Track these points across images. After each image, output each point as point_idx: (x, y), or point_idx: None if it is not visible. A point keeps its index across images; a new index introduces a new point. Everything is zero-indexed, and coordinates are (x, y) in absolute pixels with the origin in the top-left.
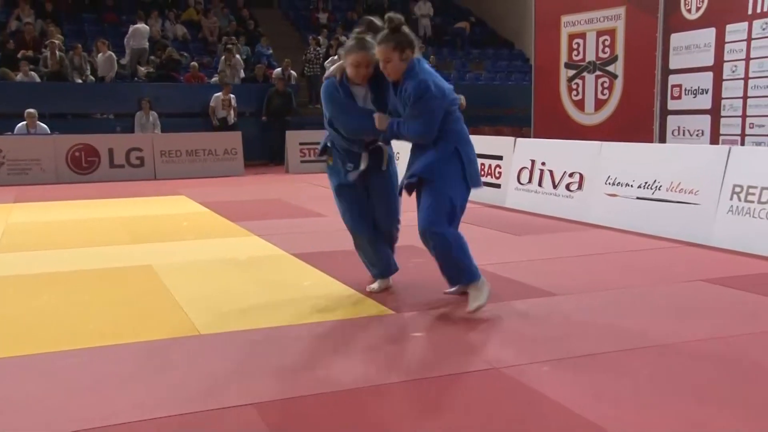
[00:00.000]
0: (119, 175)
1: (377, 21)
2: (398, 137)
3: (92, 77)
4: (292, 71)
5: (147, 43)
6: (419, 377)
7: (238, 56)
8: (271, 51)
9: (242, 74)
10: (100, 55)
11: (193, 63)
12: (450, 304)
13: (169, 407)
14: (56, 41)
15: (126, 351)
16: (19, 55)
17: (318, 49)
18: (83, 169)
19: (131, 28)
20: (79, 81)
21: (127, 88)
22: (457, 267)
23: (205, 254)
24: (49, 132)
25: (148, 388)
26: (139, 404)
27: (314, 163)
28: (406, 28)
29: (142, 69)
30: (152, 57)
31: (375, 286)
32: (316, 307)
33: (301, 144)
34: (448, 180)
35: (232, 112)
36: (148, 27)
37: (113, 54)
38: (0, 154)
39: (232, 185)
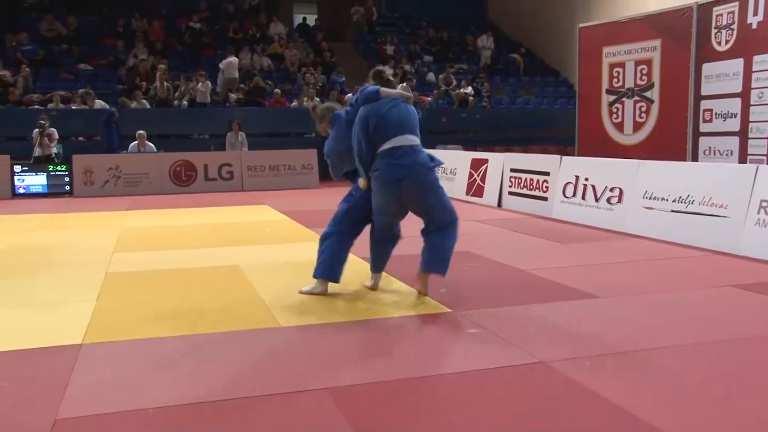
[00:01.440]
0: (213, 187)
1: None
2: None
3: (185, 103)
4: None
5: (237, 74)
6: (472, 369)
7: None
8: (344, 79)
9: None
10: (200, 84)
11: (277, 90)
12: (500, 303)
13: (254, 388)
14: (163, 72)
15: (217, 339)
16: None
17: None
18: (183, 182)
19: (224, 61)
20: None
21: (220, 112)
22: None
23: (284, 256)
24: (155, 150)
25: (235, 371)
26: (229, 384)
27: None
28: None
29: (233, 96)
30: (242, 85)
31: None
32: (381, 304)
33: None
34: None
35: None
36: (237, 59)
37: (209, 83)
38: (117, 169)
39: (308, 196)
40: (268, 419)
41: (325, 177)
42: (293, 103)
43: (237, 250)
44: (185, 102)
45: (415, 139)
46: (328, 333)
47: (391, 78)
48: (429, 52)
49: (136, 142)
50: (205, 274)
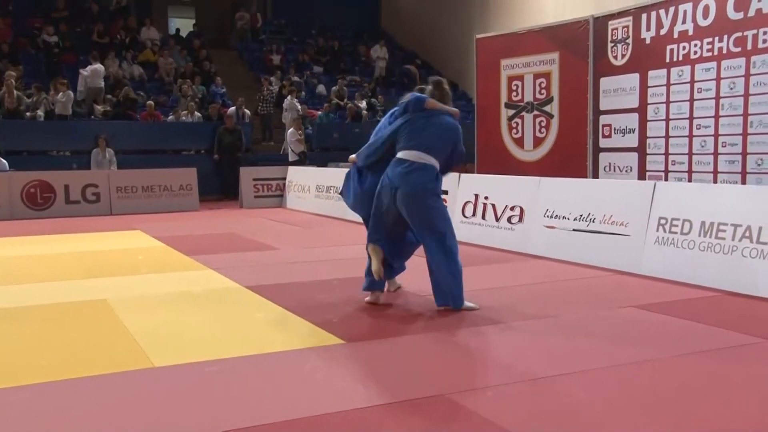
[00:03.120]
0: (75, 210)
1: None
2: None
3: (41, 114)
4: (246, 110)
5: (102, 83)
6: (367, 405)
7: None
8: (224, 90)
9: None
10: (60, 94)
11: (150, 102)
12: (396, 333)
13: None
14: (12, 79)
15: (77, 385)
16: None
17: (271, 88)
18: (38, 205)
19: (88, 68)
20: (39, 117)
21: (84, 126)
22: None
23: (160, 288)
24: (7, 168)
25: (97, 421)
26: None
27: (268, 198)
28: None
29: (99, 108)
30: (109, 96)
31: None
32: (268, 337)
33: (255, 180)
34: None
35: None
36: (103, 67)
37: (71, 93)
38: None
39: (187, 220)
40: None
41: (204, 199)
42: (169, 117)
43: (104, 282)
44: (40, 113)
45: (425, 158)
46: (210, 372)
47: (449, 91)
48: (319, 63)
49: None
50: (65, 311)
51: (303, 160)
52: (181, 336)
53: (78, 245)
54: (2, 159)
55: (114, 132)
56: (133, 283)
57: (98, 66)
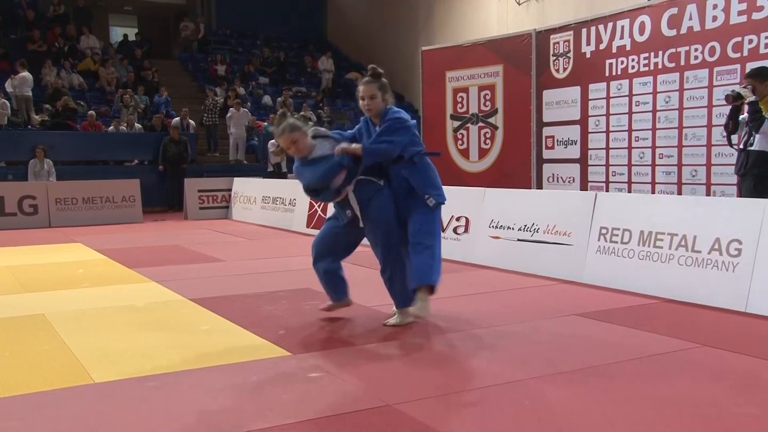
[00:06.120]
0: (11, 223)
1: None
2: (374, 156)
3: None
4: (190, 120)
5: (30, 92)
6: (314, 417)
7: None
8: (166, 98)
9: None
10: None
11: (91, 112)
12: (343, 344)
13: None
14: None
15: (12, 403)
16: None
17: (216, 99)
18: None
19: (17, 76)
20: None
21: (20, 136)
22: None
23: (101, 301)
24: None
25: None
26: None
27: (213, 210)
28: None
29: (36, 117)
30: (47, 105)
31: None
32: (213, 351)
33: (199, 191)
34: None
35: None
36: (31, 75)
37: (6, 102)
38: None
39: (130, 232)
40: None
41: (148, 210)
42: (110, 127)
43: (42, 296)
44: None
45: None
46: (152, 387)
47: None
48: (264, 73)
49: None
50: (0, 326)
51: (277, 172)
52: (122, 351)
53: (14, 259)
54: None
55: (53, 142)
56: (72, 297)
57: (26, 74)
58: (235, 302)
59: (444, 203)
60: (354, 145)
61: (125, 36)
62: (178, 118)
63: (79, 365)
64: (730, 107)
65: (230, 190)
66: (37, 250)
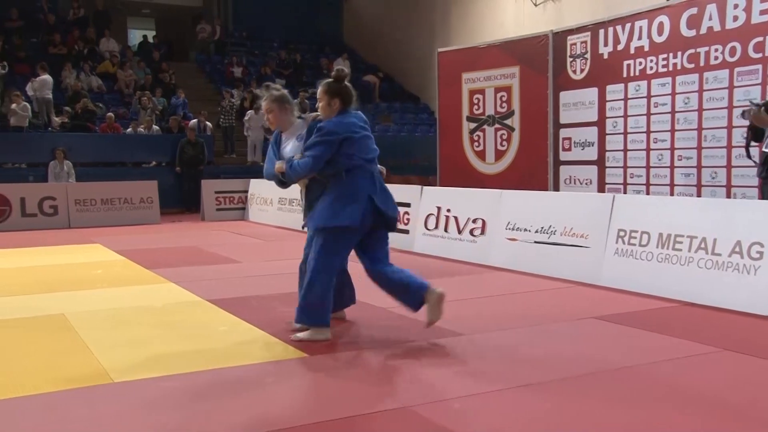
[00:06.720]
0: (32, 224)
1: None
2: (293, 174)
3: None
4: (207, 122)
5: (50, 94)
6: (331, 418)
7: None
8: (184, 100)
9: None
10: (13, 105)
11: (109, 114)
12: (358, 346)
13: None
14: None
15: (33, 402)
16: None
17: (232, 101)
18: None
19: (38, 79)
20: None
21: (41, 138)
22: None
23: (119, 302)
24: None
25: None
26: None
27: (230, 211)
28: (346, 82)
29: (57, 119)
30: (67, 108)
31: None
32: (231, 351)
33: (216, 192)
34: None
35: None
36: (51, 78)
37: (27, 104)
38: None
39: (148, 233)
40: None
41: (166, 211)
42: (128, 129)
43: (62, 296)
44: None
45: None
46: (169, 387)
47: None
48: (281, 75)
49: None
50: (20, 326)
51: None
52: (141, 351)
53: (35, 259)
54: None
55: (72, 144)
56: (92, 297)
57: (46, 77)
58: (252, 303)
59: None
60: (278, 164)
61: (144, 37)
62: (195, 120)
63: (99, 365)
64: (748, 122)
65: (247, 191)
66: (57, 250)
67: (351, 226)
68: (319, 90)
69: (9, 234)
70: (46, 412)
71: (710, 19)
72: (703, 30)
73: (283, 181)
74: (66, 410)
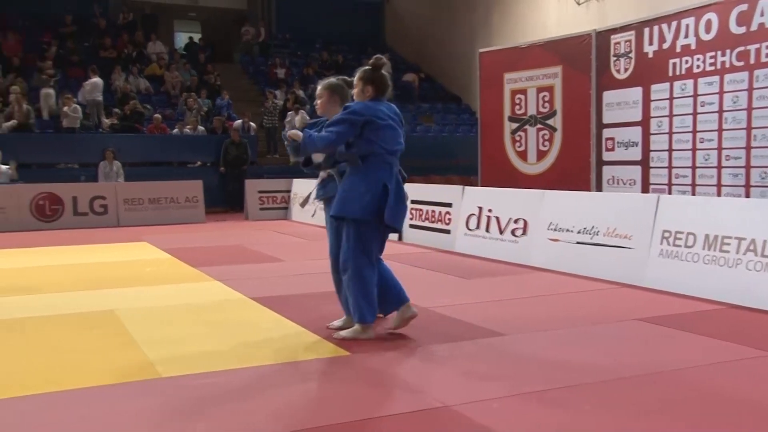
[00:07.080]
0: (83, 222)
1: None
2: (309, 145)
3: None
4: (251, 123)
5: (101, 96)
6: (372, 416)
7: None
8: (228, 101)
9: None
10: (65, 108)
11: (156, 115)
12: (400, 345)
13: None
14: (19, 93)
15: (84, 395)
16: None
17: (275, 102)
18: (47, 216)
19: (89, 81)
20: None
21: (91, 139)
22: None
23: (167, 299)
24: (16, 179)
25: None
26: None
27: (273, 210)
28: (382, 71)
29: (106, 121)
30: (116, 110)
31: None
32: (274, 349)
33: (260, 192)
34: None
35: None
36: (102, 81)
37: (78, 107)
38: None
39: (193, 232)
40: None
41: (210, 211)
42: (174, 130)
43: (112, 293)
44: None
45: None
46: (216, 383)
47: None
48: (323, 76)
49: None
50: (72, 322)
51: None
52: (188, 347)
53: (86, 256)
54: (3, 166)
55: (121, 145)
56: (140, 294)
57: (97, 79)
58: (295, 302)
59: (348, 218)
60: (293, 131)
61: (190, 38)
62: (239, 121)
63: (147, 360)
64: None
65: (289, 191)
66: (107, 248)
67: (362, 218)
68: (356, 76)
69: (61, 232)
70: (99, 404)
71: (762, 15)
72: (754, 26)
73: (297, 150)
74: (116, 404)
